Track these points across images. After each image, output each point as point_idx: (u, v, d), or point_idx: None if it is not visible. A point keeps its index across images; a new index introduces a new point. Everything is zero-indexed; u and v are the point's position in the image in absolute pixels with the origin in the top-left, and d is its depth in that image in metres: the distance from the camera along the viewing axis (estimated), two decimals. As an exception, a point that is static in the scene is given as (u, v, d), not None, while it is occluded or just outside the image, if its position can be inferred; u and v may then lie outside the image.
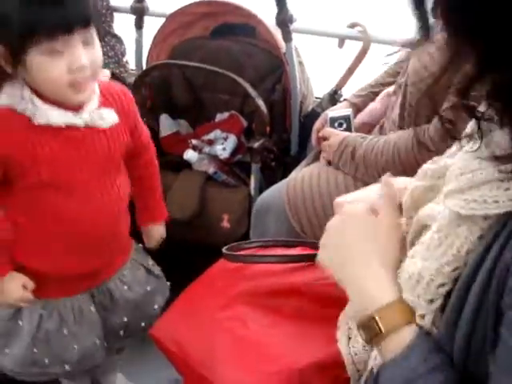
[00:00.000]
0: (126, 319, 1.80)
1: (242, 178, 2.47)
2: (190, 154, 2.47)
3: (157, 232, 1.87)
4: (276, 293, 1.29)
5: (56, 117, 1.44)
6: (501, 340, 0.72)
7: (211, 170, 2.45)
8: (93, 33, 1.41)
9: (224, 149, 2.49)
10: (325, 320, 1.22)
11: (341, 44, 2.55)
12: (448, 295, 0.81)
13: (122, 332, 1.81)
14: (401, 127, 1.83)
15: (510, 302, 0.71)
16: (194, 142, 2.54)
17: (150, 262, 1.90)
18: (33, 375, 1.73)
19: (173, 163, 2.53)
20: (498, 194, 0.75)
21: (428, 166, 0.97)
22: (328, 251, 1.02)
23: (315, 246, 1.52)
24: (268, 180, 2.39)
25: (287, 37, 2.34)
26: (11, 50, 1.36)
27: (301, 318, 1.26)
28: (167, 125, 2.63)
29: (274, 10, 2.29)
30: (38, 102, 1.43)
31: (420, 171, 0.98)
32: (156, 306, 1.86)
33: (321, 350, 1.18)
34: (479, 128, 0.77)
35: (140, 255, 1.87)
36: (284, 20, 2.30)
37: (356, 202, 1.03)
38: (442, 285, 0.82)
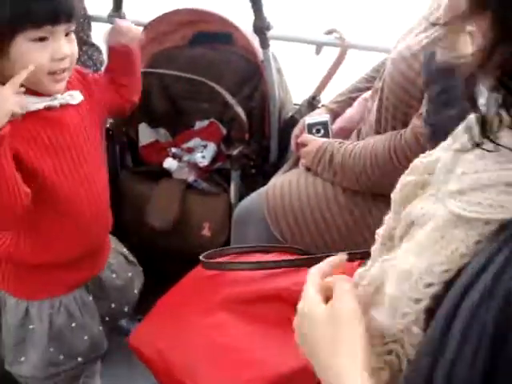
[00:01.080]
0: (113, 305, 1.86)
1: (222, 185, 2.47)
2: (169, 163, 2.47)
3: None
4: (256, 299, 1.30)
5: (32, 103, 1.49)
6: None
7: (191, 178, 2.45)
8: (73, 27, 1.49)
9: (203, 157, 2.49)
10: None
11: (318, 50, 2.56)
12: (436, 299, 0.78)
13: (107, 318, 1.86)
14: (378, 132, 1.84)
15: None
16: (173, 150, 2.54)
17: (125, 249, 1.96)
18: (48, 378, 1.75)
19: (152, 172, 2.54)
20: (505, 199, 0.73)
21: (420, 160, 0.93)
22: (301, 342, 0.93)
23: (292, 251, 1.54)
24: (248, 187, 2.39)
25: (264, 44, 2.34)
26: None
27: (281, 324, 1.26)
28: (146, 134, 2.62)
29: (251, 17, 2.29)
30: None
31: (412, 165, 0.94)
32: (136, 291, 1.92)
33: (302, 356, 1.17)
34: (482, 126, 0.75)
35: (116, 243, 1.93)
36: (261, 27, 2.31)
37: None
38: (430, 285, 0.80)
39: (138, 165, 2.66)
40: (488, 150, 0.76)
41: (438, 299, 0.78)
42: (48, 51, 1.43)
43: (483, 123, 0.75)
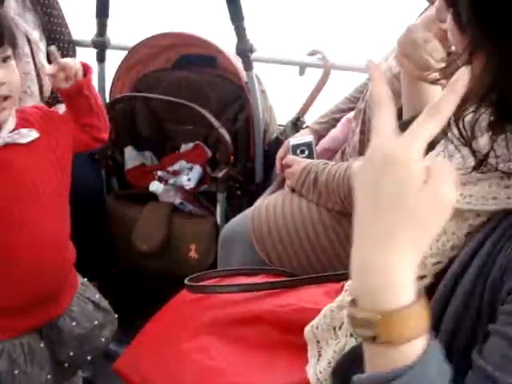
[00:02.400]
0: (72, 353, 1.76)
1: (208, 207, 2.48)
2: (155, 186, 2.47)
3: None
4: (240, 322, 1.30)
5: None
6: (500, 335, 0.70)
7: (177, 200, 2.46)
8: (9, 52, 1.44)
9: (189, 179, 2.49)
10: (290, 347, 1.23)
11: (302, 72, 2.58)
12: (428, 290, 0.78)
13: (66, 365, 1.77)
14: (361, 153, 1.85)
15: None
16: (159, 173, 2.55)
17: (97, 296, 1.85)
18: None
19: (139, 195, 2.54)
20: (497, 191, 0.75)
21: None
22: (361, 193, 0.73)
23: (278, 273, 1.54)
24: (234, 209, 2.40)
25: (248, 66, 2.36)
26: None
27: (266, 346, 1.26)
28: (132, 157, 2.63)
29: (234, 39, 2.31)
30: None
31: None
32: (103, 339, 1.83)
33: (286, 378, 1.18)
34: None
35: (87, 289, 1.84)
36: (244, 49, 2.32)
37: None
38: (423, 277, 0.81)
39: (125, 188, 2.66)
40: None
41: (428, 289, 0.79)
42: None
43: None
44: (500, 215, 0.75)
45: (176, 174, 2.54)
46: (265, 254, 1.89)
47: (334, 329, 1.10)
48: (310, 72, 2.57)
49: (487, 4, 0.70)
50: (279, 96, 2.87)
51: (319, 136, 2.14)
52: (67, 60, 1.60)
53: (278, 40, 2.71)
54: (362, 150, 1.85)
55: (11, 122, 1.53)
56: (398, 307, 0.67)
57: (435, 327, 0.75)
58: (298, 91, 2.70)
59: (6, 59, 1.44)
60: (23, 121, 1.55)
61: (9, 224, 1.53)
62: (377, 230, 0.69)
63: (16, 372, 1.62)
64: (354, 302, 0.71)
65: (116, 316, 1.89)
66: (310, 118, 2.43)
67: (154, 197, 2.50)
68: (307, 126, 2.26)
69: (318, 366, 1.10)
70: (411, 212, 0.67)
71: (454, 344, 0.76)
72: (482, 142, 0.79)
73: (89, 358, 1.80)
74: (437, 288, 0.80)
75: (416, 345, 0.68)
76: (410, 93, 1.40)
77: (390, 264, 0.68)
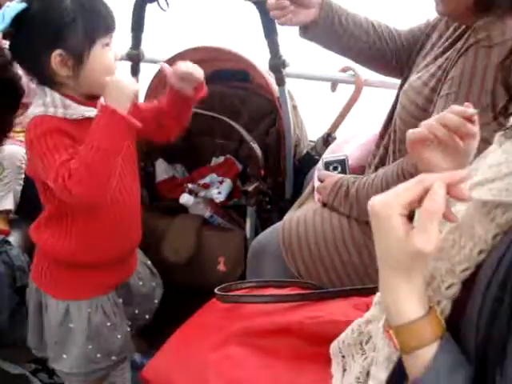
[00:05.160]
0: (136, 311, 1.96)
1: (238, 221, 2.48)
2: (185, 198, 2.49)
3: None
4: (268, 333, 1.30)
5: (86, 111, 1.61)
6: None
7: (207, 213, 2.47)
8: None
9: (219, 192, 2.50)
10: (317, 359, 1.23)
11: (333, 88, 2.59)
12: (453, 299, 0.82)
13: (130, 322, 1.94)
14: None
15: None
16: (189, 186, 2.56)
17: (149, 262, 2.06)
18: (87, 374, 1.85)
19: (169, 207, 2.55)
20: None
21: None
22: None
23: (306, 286, 1.54)
24: (263, 223, 2.40)
25: (280, 81, 2.37)
26: (77, 51, 1.54)
27: (293, 358, 1.26)
28: (163, 169, 2.65)
29: (267, 54, 2.32)
30: (68, 101, 1.59)
31: None
32: (156, 301, 2.03)
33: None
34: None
35: (142, 255, 2.03)
36: (277, 65, 2.33)
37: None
38: (451, 285, 0.81)
39: (155, 200, 2.68)
40: None
41: (454, 301, 0.82)
42: (112, 54, 1.61)
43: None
44: None
45: (206, 186, 2.55)
46: (294, 267, 1.89)
47: (361, 343, 1.10)
48: (341, 88, 2.58)
49: None
50: (311, 112, 2.88)
51: None
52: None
53: (310, 56, 2.71)
54: (382, 164, 1.87)
55: None
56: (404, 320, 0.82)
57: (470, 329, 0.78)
58: (329, 107, 2.70)
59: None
60: None
61: (117, 187, 1.66)
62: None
63: (108, 324, 1.83)
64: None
65: (161, 281, 2.09)
66: (341, 134, 2.44)
67: (184, 209, 2.52)
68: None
69: (345, 381, 1.10)
70: (396, 262, 0.82)
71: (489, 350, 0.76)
72: None
73: (147, 316, 2.01)
74: (470, 294, 0.79)
75: (425, 353, 0.80)
76: None
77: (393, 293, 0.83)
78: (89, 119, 1.58)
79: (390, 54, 2.00)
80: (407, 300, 0.82)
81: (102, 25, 1.58)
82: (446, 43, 1.74)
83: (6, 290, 2.11)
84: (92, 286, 1.81)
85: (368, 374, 1.04)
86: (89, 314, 1.80)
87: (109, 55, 1.60)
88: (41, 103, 1.59)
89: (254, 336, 1.29)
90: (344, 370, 1.12)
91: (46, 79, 1.59)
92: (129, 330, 1.92)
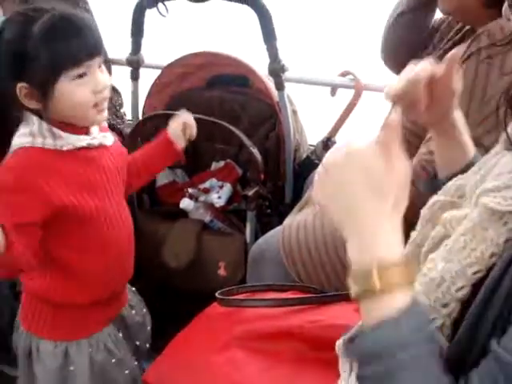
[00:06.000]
0: (138, 343, 1.88)
1: (238, 225, 2.48)
2: (186, 203, 2.49)
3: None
4: (269, 336, 1.30)
5: (77, 141, 1.54)
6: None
7: (207, 218, 2.47)
8: (103, 59, 1.54)
9: (219, 197, 2.51)
10: (318, 363, 1.23)
11: (333, 92, 2.59)
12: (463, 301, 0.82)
13: (135, 358, 1.86)
14: None
15: None
16: (190, 190, 2.56)
17: (133, 288, 1.96)
18: None
19: (169, 212, 2.56)
20: None
21: (453, 182, 0.98)
22: (327, 189, 0.89)
23: (307, 290, 1.55)
24: (264, 227, 2.40)
25: (280, 86, 2.38)
26: (40, 85, 1.45)
27: (295, 362, 1.26)
28: (164, 174, 2.65)
29: (267, 59, 2.33)
30: (57, 131, 1.51)
31: (445, 186, 0.99)
32: (149, 328, 1.94)
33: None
34: None
35: None
36: (276, 69, 2.34)
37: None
38: (461, 288, 0.82)
39: (155, 205, 2.68)
40: None
41: (464, 303, 0.81)
42: (89, 85, 1.49)
43: None
44: None
45: (206, 191, 2.55)
46: (294, 272, 1.89)
47: None
48: (341, 93, 2.58)
49: None
50: (310, 116, 2.88)
51: None
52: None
53: (310, 60, 2.72)
54: None
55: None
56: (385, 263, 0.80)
57: (473, 333, 0.77)
58: (329, 112, 2.71)
59: (101, 65, 1.53)
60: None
61: (105, 220, 1.62)
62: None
63: (113, 361, 1.74)
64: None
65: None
66: (341, 139, 2.44)
67: (184, 214, 2.52)
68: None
69: (351, 379, 1.10)
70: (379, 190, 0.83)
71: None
72: None
73: (147, 345, 1.92)
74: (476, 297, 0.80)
75: (399, 298, 0.79)
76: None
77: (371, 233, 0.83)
78: (81, 149, 1.55)
79: None
80: (391, 236, 0.82)
81: (71, 56, 1.45)
82: (447, 45, 1.75)
83: (7, 293, 2.11)
84: (90, 324, 1.73)
85: None
86: (90, 354, 1.71)
87: (79, 89, 1.48)
88: (27, 132, 1.52)
89: (255, 340, 1.29)
90: (351, 370, 1.12)
91: (23, 108, 1.52)
92: (136, 363, 1.83)
